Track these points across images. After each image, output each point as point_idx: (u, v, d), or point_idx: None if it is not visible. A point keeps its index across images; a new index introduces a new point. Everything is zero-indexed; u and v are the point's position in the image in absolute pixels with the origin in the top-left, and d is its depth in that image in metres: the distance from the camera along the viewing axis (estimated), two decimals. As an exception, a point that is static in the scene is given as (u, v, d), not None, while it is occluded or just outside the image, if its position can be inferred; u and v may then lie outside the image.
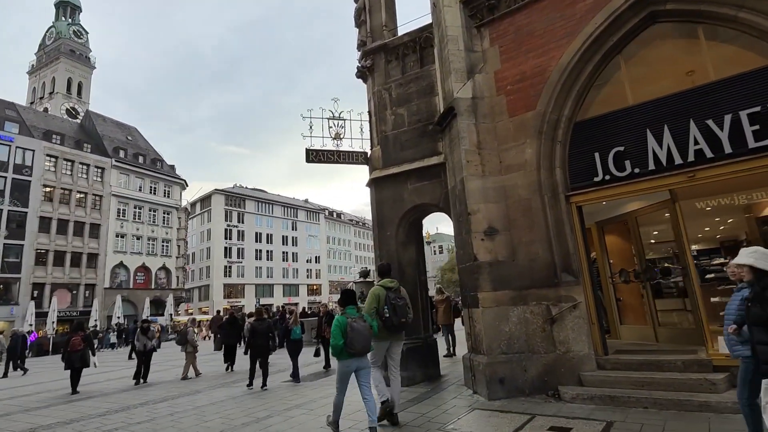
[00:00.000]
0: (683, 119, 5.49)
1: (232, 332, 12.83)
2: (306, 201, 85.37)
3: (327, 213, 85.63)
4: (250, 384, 8.51)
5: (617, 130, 6.02)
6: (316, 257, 79.35)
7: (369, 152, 8.44)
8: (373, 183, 8.08)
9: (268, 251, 71.26)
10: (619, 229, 7.91)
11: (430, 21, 7.90)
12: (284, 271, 73.22)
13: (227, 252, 65.41)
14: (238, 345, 13.18)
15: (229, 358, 12.32)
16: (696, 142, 5.37)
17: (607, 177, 5.97)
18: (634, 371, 5.49)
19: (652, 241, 7.71)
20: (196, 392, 8.66)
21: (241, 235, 67.85)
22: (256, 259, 69.24)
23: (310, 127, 8.10)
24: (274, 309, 34.56)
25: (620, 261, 8.04)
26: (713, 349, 5.57)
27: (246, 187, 77.02)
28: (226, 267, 64.76)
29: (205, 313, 56.79)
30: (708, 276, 6.04)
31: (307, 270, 77.31)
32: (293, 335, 9.22)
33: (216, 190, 66.83)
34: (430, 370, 7.38)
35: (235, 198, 69.42)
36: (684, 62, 5.88)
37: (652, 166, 5.66)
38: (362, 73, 8.71)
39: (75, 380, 9.77)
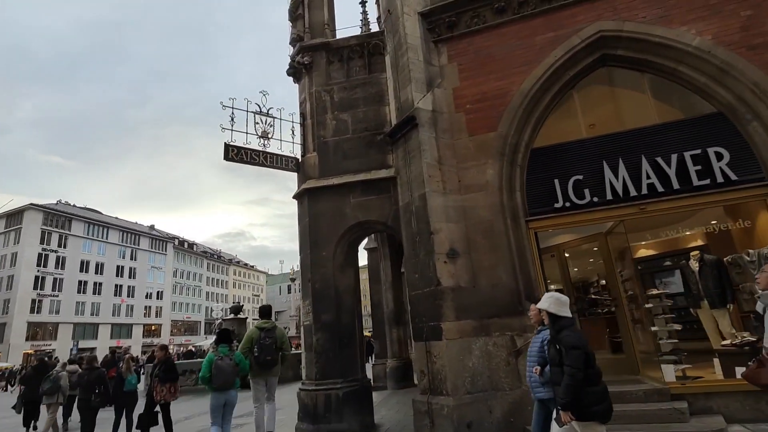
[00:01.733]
0: (636, 155, 5.82)
1: (39, 383, 9.59)
2: (152, 227, 74.98)
3: (177, 242, 76.32)
4: None
5: (575, 160, 6.14)
6: (158, 293, 69.14)
7: (300, 158, 7.27)
8: (306, 194, 6.90)
9: (96, 283, 59.64)
10: (548, 261, 8.11)
11: (363, 31, 7.38)
12: (115, 308, 61.85)
13: (39, 282, 52.64)
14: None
15: (32, 416, 10.02)
16: (648, 176, 5.70)
17: (567, 204, 5.97)
18: (599, 404, 5.27)
19: (577, 272, 8.06)
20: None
21: (61, 263, 55.60)
22: (79, 292, 57.22)
23: (232, 119, 6.65)
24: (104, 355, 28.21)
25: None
26: (649, 377, 5.77)
27: (74, 206, 64.35)
28: (34, 301, 51.82)
29: (-7, 361, 43.75)
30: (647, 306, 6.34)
31: (146, 307, 66.66)
32: (127, 386, 7.82)
33: (32, 205, 54.21)
34: (366, 418, 6.22)
35: (58, 217, 57.24)
36: (631, 103, 6.37)
37: (609, 196, 5.82)
38: (296, 70, 7.65)
39: None
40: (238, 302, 20.87)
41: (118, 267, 63.11)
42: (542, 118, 6.38)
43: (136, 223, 72.30)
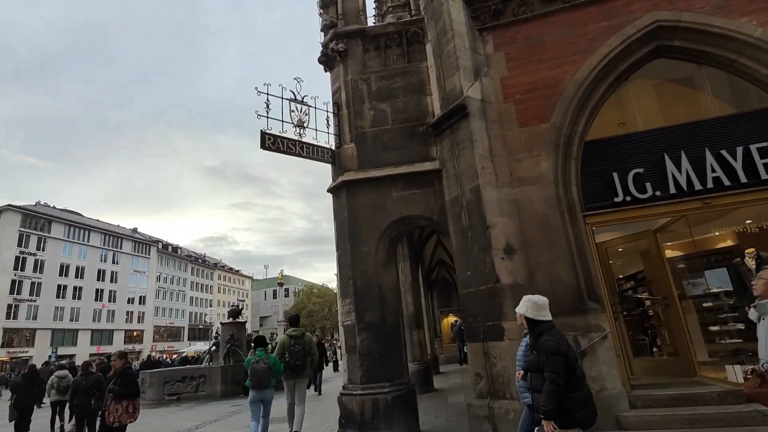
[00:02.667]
0: (699, 147, 5.61)
1: (29, 390, 10.58)
2: (135, 230, 72.99)
3: (160, 246, 74.42)
4: None
5: (633, 153, 5.90)
6: (141, 297, 67.17)
7: (335, 149, 6.87)
8: (344, 187, 6.50)
9: (76, 288, 57.61)
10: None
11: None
12: (95, 313, 59.81)
13: (15, 287, 50.53)
14: (38, 406, 11.22)
15: (23, 424, 9.89)
16: (713, 170, 5.49)
17: (628, 198, 5.72)
18: (670, 407, 5.01)
19: (619, 273, 7.83)
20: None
21: (39, 266, 53.53)
22: (58, 297, 55.17)
23: (267, 106, 6.23)
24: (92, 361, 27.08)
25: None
26: (709, 378, 5.53)
27: (54, 207, 62.21)
28: (10, 306, 49.68)
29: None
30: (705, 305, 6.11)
31: (127, 312, 64.66)
32: None
33: (9, 206, 52.13)
34: (413, 424, 5.81)
35: (37, 219, 55.19)
36: (687, 96, 6.19)
37: (672, 190, 5.59)
38: (329, 58, 7.28)
39: None
40: (237, 305, 20.15)
41: (99, 271, 61.14)
42: (596, 109, 6.13)
43: (119, 225, 70.28)
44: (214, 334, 22.20)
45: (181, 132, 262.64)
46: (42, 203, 61.27)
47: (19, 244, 51.73)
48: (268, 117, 6.20)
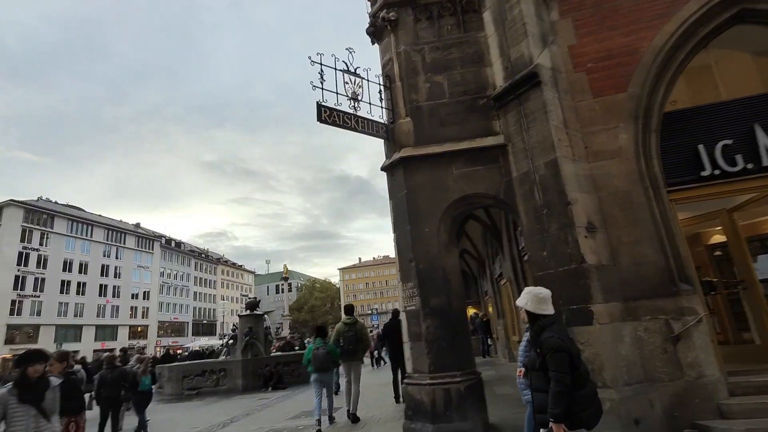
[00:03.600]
0: (793, 117, 5.20)
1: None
2: (137, 225, 72.54)
3: (164, 241, 73.99)
4: None
5: (718, 123, 5.49)
6: (144, 293, 66.84)
7: (388, 125, 6.44)
8: (401, 164, 6.08)
9: (80, 283, 57.22)
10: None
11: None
12: (100, 308, 59.49)
13: (19, 282, 50.12)
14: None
15: None
16: (812, 141, 5.08)
17: (717, 172, 5.31)
18: (776, 396, 4.62)
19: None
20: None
21: (42, 262, 53.10)
22: (62, 292, 54.80)
23: (321, 77, 5.79)
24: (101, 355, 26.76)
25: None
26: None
27: (56, 203, 61.69)
28: (14, 302, 49.32)
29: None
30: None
31: (132, 308, 64.36)
32: (141, 386, 8.49)
33: (12, 201, 51.62)
34: (485, 415, 5.41)
35: (40, 214, 54.68)
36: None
37: (766, 162, 5.18)
38: (378, 29, 6.83)
39: None
40: (255, 297, 19.77)
41: (102, 266, 60.76)
42: (674, 78, 5.70)
43: (121, 221, 69.84)
44: (231, 327, 21.79)
45: (177, 127, 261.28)
46: (44, 198, 60.78)
47: (22, 240, 51.27)
48: (323, 89, 5.76)
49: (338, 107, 5.85)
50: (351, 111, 5.99)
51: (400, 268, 5.99)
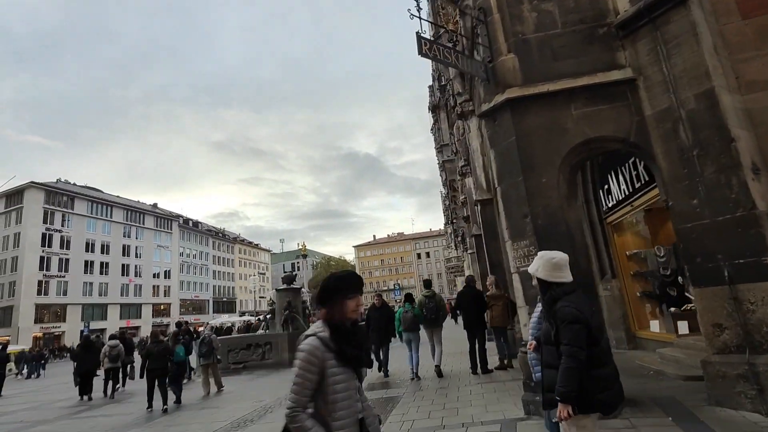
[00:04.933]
0: None
1: (87, 358, 12.00)
2: (155, 206, 72.79)
3: (181, 221, 74.27)
4: (149, 406, 8.61)
5: None
6: (165, 272, 67.59)
7: (486, 63, 5.62)
8: (508, 106, 5.30)
9: (102, 263, 57.90)
10: None
11: None
12: (123, 287, 60.35)
13: (44, 263, 50.75)
14: (96, 373, 12.17)
15: (86, 387, 11.54)
16: None
17: None
18: None
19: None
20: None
21: (65, 243, 53.62)
22: (86, 272, 55.49)
23: (418, 3, 4.98)
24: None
25: None
26: None
27: (74, 184, 61.90)
28: (41, 282, 50.06)
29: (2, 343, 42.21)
30: None
31: (154, 287, 65.23)
32: (175, 357, 9.25)
33: (32, 183, 51.85)
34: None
35: (61, 195, 54.95)
36: None
37: None
38: (469, -46, 5.93)
39: None
40: (291, 271, 19.38)
41: (124, 246, 61.31)
42: (841, -8, 4.79)
43: (139, 201, 70.10)
44: (268, 300, 21.54)
45: (185, 108, 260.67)
46: (63, 180, 61.02)
47: (45, 221, 51.69)
48: (420, 17, 4.96)
49: (438, 40, 5.03)
50: (450, 45, 5.16)
51: (509, 226, 5.29)
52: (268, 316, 17.54)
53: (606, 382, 2.48)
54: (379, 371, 8.98)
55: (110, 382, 11.52)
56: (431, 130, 46.87)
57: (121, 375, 12.42)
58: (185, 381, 12.29)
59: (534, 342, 2.99)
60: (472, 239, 19.11)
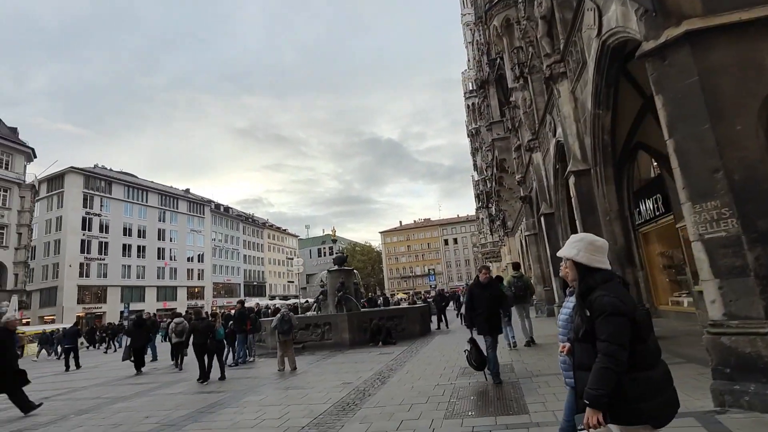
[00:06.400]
0: None
1: (139, 334, 13.37)
2: (187, 191, 73.87)
3: (213, 206, 75.27)
4: (200, 378, 9.40)
5: None
6: (199, 255, 68.83)
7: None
8: (686, 41, 4.42)
9: (139, 247, 59.25)
10: None
11: None
12: (159, 270, 61.75)
13: (85, 246, 52.17)
14: (146, 348, 13.94)
15: (139, 360, 12.83)
16: None
17: None
18: None
19: None
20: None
21: (104, 227, 54.93)
22: (124, 255, 56.86)
23: None
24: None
25: None
26: None
27: (110, 169, 63.20)
28: (82, 264, 51.54)
29: (49, 322, 43.73)
30: None
31: (188, 270, 66.55)
32: (217, 335, 9.98)
33: (72, 168, 53.08)
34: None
35: (99, 180, 56.18)
36: None
37: None
38: None
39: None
40: (341, 252, 18.93)
41: (159, 230, 62.55)
42: None
43: (171, 187, 71.21)
44: (319, 281, 21.25)
45: (208, 96, 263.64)
46: (99, 166, 62.35)
47: (84, 205, 52.96)
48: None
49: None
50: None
51: (687, 184, 4.46)
52: (320, 297, 17.15)
53: (654, 388, 2.05)
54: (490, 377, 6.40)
55: (179, 355, 12.71)
56: (468, 108, 45.55)
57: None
58: (250, 359, 12.37)
59: (567, 344, 2.53)
60: (533, 220, 18.18)
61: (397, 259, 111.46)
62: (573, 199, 9.66)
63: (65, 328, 18.82)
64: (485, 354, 6.28)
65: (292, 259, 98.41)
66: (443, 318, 18.19)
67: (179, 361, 12.63)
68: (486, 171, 32.04)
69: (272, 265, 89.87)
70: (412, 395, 6.19)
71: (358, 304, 16.22)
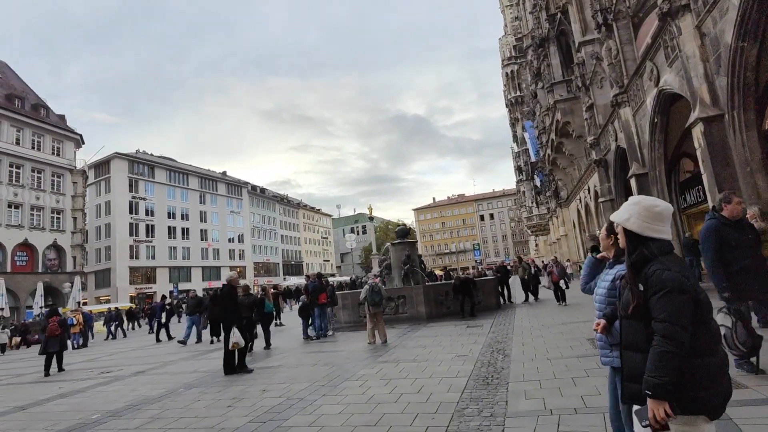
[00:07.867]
0: None
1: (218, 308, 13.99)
2: (224, 174, 74.95)
3: (250, 187, 76.21)
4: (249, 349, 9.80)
5: None
6: (239, 236, 70.21)
7: None
8: None
9: (183, 229, 60.78)
10: None
11: None
12: (203, 251, 63.38)
13: (133, 229, 53.86)
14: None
15: (216, 332, 12.71)
16: None
17: None
18: None
19: None
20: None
21: (149, 210, 56.44)
22: (170, 237, 58.47)
23: None
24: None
25: None
26: None
27: (152, 154, 64.59)
28: (132, 247, 53.32)
29: (104, 302, 45.64)
30: None
31: (230, 250, 68.04)
32: (266, 308, 11.43)
33: (117, 153, 54.46)
34: None
35: (142, 165, 57.53)
36: None
37: None
38: None
39: (48, 364, 10.71)
40: (404, 225, 18.33)
41: (200, 212, 63.93)
42: None
43: (209, 170, 72.31)
44: (381, 256, 20.84)
45: (234, 78, 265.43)
46: (141, 151, 63.77)
47: (130, 189, 54.43)
48: None
49: None
50: None
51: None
52: (383, 271, 16.65)
53: (712, 375, 1.78)
54: None
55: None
56: (506, 77, 43.47)
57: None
58: (330, 332, 12.09)
59: (602, 321, 2.35)
60: (608, 185, 16.94)
61: (432, 236, 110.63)
62: (699, 152, 8.55)
63: (155, 302, 19.53)
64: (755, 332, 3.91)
65: (327, 238, 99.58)
66: (531, 290, 16.66)
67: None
68: (540, 138, 30.42)
69: (308, 244, 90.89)
70: (560, 370, 5.49)
71: (425, 277, 15.64)
